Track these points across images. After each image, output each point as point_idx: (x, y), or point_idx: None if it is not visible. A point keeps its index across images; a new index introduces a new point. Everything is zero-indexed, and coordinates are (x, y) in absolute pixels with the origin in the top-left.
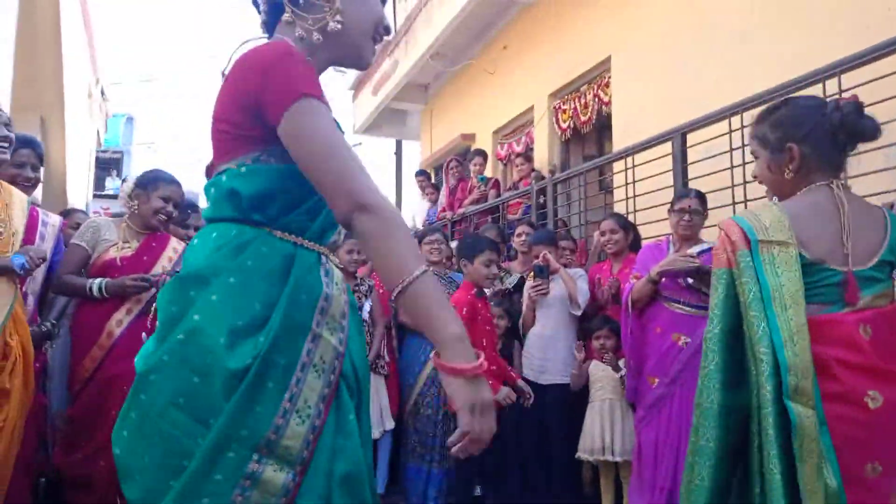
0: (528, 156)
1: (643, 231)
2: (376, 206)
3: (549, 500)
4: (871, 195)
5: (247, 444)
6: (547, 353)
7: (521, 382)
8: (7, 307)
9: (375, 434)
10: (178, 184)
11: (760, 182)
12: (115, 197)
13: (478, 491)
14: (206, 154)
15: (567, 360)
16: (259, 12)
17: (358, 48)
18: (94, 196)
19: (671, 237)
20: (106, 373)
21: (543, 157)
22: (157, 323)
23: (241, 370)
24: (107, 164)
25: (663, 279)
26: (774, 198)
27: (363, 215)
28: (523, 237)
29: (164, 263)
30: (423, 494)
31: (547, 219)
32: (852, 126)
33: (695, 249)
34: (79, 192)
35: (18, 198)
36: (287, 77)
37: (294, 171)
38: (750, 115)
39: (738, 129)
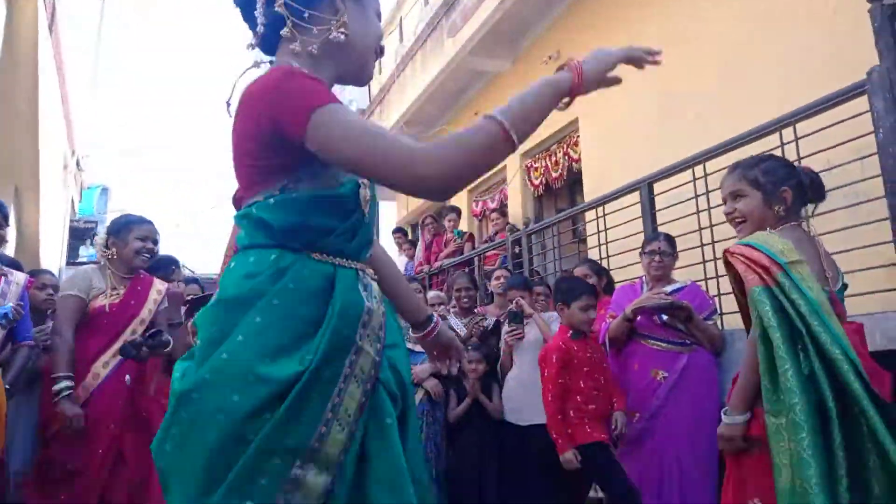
0: (502, 210)
1: (616, 275)
2: (439, 175)
3: None
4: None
5: (292, 453)
6: (525, 395)
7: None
8: None
9: None
10: (149, 222)
11: (736, 220)
12: (85, 264)
13: None
14: (182, 221)
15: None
16: (254, 28)
17: (361, 62)
18: (68, 264)
19: (644, 278)
20: (91, 413)
21: (517, 211)
22: (197, 343)
23: (285, 386)
24: (81, 234)
25: (638, 317)
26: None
27: (429, 184)
28: (500, 279)
29: (150, 307)
30: None
31: (523, 268)
32: (818, 186)
33: (668, 288)
34: (52, 260)
35: None
36: (296, 95)
37: (323, 199)
38: (712, 164)
39: (701, 177)
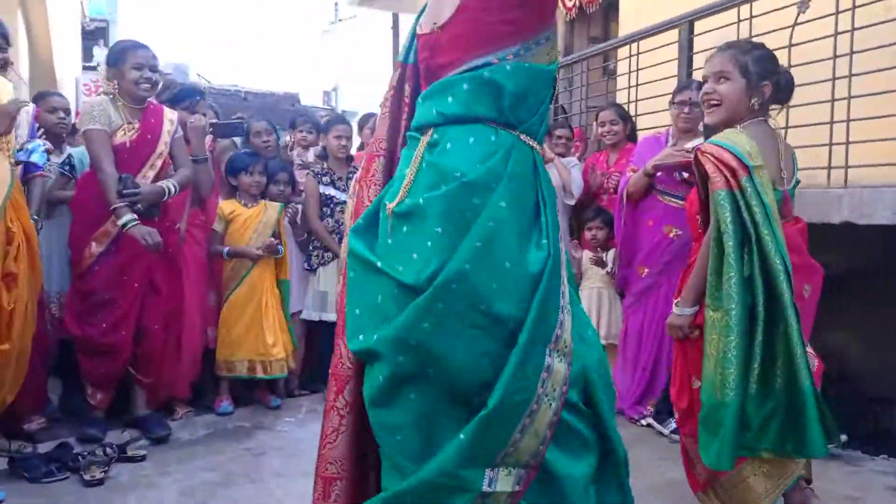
0: None
1: (644, 121)
2: None
3: None
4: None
5: (544, 340)
6: None
7: None
8: (5, 192)
9: None
10: (144, 47)
11: (711, 102)
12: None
13: None
14: (199, 21)
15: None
16: None
17: None
18: (84, 68)
19: (671, 129)
20: (124, 250)
21: None
22: (441, 227)
23: (538, 273)
24: (93, 35)
25: (659, 173)
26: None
27: None
28: None
29: (165, 139)
30: None
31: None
32: (789, 88)
33: (692, 143)
34: (68, 66)
35: (5, 86)
36: None
37: (543, 73)
38: (759, 5)
39: (746, 20)
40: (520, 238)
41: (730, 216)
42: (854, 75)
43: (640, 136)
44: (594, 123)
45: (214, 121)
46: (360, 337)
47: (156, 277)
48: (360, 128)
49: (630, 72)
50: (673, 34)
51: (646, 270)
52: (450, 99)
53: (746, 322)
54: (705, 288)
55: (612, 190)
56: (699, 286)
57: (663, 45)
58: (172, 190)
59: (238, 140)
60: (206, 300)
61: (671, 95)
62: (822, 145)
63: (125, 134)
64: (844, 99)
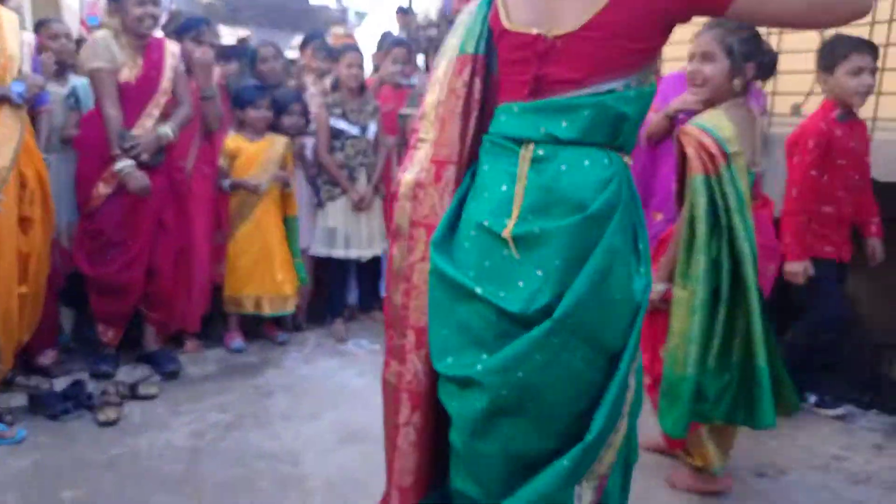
0: None
1: (671, 51)
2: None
3: None
4: None
5: (633, 366)
6: None
7: None
8: (16, 138)
9: (377, 251)
10: None
11: (698, 83)
12: None
13: None
14: None
15: None
16: None
17: None
18: None
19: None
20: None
21: None
22: (560, 259)
23: (639, 302)
24: None
25: (680, 115)
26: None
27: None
28: None
29: (168, 75)
30: None
31: None
32: (770, 68)
33: None
34: None
35: (8, 17)
36: None
37: (653, 93)
38: None
39: None
40: (627, 267)
41: (704, 201)
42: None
43: (666, 68)
44: None
45: (217, 43)
46: (450, 360)
47: (164, 216)
48: (379, 48)
49: None
50: None
51: (660, 215)
52: (564, 123)
53: (711, 304)
54: (676, 265)
55: None
56: (671, 264)
57: None
58: (171, 134)
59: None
60: (213, 235)
61: (698, 31)
62: None
63: (129, 72)
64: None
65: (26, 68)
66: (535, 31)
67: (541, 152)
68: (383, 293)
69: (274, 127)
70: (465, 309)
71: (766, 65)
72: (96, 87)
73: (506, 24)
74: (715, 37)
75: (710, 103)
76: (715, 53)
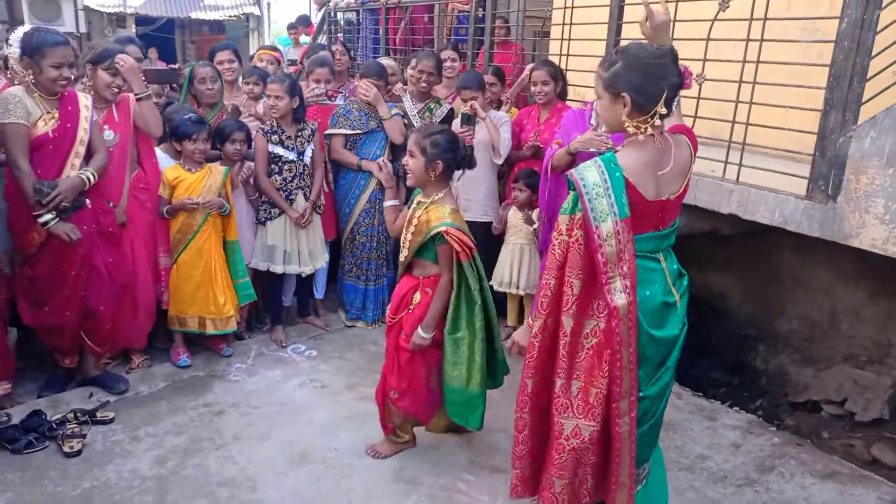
0: None
1: (576, 78)
2: None
3: None
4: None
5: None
6: (469, 193)
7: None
8: None
9: (318, 265)
10: (65, 43)
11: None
12: None
13: None
14: None
15: (486, 200)
16: None
17: None
18: None
19: (595, 105)
20: (57, 239)
21: None
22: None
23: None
24: None
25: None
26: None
27: None
28: (448, 62)
29: (83, 125)
30: (360, 307)
31: (486, 12)
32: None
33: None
34: None
35: None
36: None
37: None
38: None
39: (672, 0)
40: None
41: (474, 277)
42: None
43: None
44: (524, 73)
45: (147, 67)
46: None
47: (94, 259)
48: (308, 73)
49: (564, 24)
50: None
51: None
52: (670, 239)
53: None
54: (441, 316)
55: (541, 147)
56: (438, 314)
57: (596, 6)
58: (92, 178)
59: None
60: (156, 258)
61: (601, 61)
62: (726, 121)
63: (45, 124)
64: (749, 83)
65: None
66: (664, 196)
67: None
68: (318, 295)
69: (215, 157)
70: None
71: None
72: (6, 142)
73: (647, 196)
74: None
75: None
76: (412, 151)
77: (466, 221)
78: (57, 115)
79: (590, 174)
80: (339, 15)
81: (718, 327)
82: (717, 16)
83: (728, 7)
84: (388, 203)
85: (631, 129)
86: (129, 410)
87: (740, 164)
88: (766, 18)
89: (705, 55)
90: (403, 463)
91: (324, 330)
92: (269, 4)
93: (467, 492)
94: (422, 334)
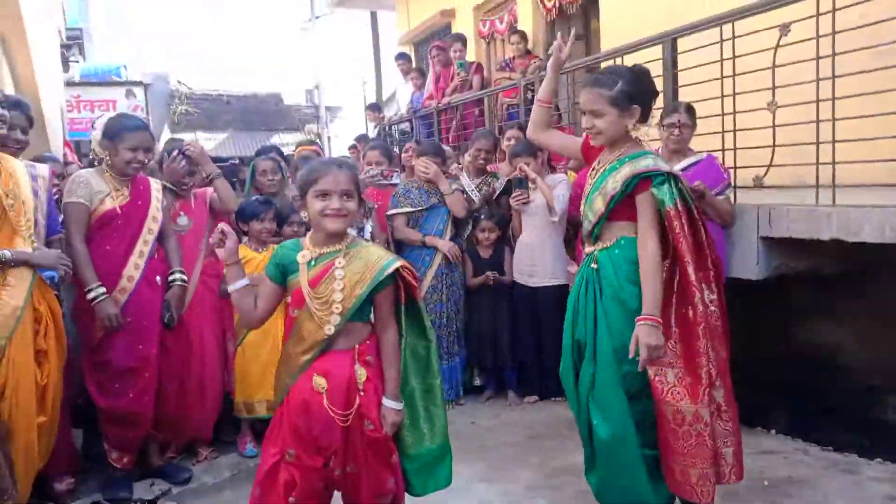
0: (522, 33)
1: None
2: None
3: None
4: None
5: None
6: (535, 258)
7: None
8: (29, 278)
9: None
10: (144, 128)
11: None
12: (80, 84)
13: (478, 381)
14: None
15: (554, 263)
16: None
17: None
18: (66, 84)
19: (660, 150)
20: (134, 315)
21: (528, 36)
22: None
23: None
24: (67, 47)
25: None
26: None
27: None
28: (512, 140)
29: (156, 205)
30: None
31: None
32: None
33: (681, 164)
34: (49, 83)
35: (19, 166)
36: None
37: None
38: (742, 25)
39: (729, 39)
40: None
41: None
42: (836, 99)
43: None
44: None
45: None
46: None
47: (166, 339)
48: (361, 156)
49: None
50: (656, 50)
51: None
52: None
53: None
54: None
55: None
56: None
57: (647, 62)
58: (185, 277)
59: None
60: (223, 345)
61: (660, 118)
62: (810, 164)
63: (114, 200)
64: (829, 120)
65: (43, 200)
66: None
67: None
68: None
69: (276, 235)
70: None
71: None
72: (66, 220)
73: None
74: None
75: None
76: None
77: (535, 287)
78: (127, 192)
79: None
80: (394, 128)
81: (836, 384)
82: (779, 42)
83: (789, 32)
84: (236, 286)
85: (633, 135)
86: (191, 501)
87: (833, 185)
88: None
89: (773, 83)
90: None
91: None
92: (328, 138)
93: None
94: (394, 406)
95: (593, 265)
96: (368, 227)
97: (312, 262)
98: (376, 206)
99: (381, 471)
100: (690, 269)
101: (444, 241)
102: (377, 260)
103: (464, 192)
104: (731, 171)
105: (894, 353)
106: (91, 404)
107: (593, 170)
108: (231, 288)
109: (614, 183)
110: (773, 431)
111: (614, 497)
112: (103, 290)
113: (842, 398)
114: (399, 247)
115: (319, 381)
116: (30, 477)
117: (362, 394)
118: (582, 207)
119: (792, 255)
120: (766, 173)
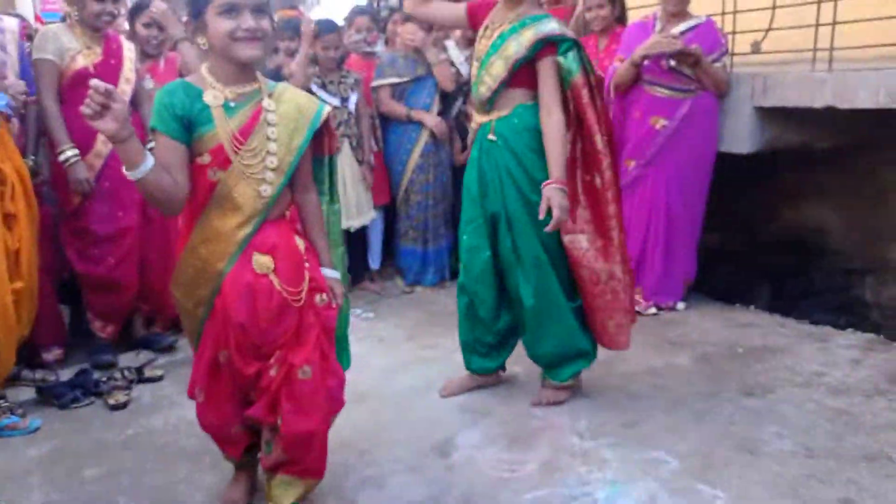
0: None
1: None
2: None
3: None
4: None
5: None
6: None
7: None
8: None
9: (364, 220)
10: None
11: None
12: None
13: None
14: None
15: None
16: None
17: None
18: None
19: (658, 13)
20: (110, 182)
21: None
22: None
23: None
24: None
25: (646, 62)
26: None
27: None
28: None
29: (128, 65)
30: (419, 270)
31: None
32: None
33: (680, 28)
34: None
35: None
36: None
37: None
38: None
39: None
40: None
41: None
42: None
43: (631, 15)
44: (579, 7)
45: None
46: None
47: (148, 209)
48: (349, 23)
49: None
50: None
51: (633, 163)
52: None
53: None
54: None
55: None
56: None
57: None
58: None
59: None
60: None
61: None
62: (809, 26)
63: (86, 59)
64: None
65: (12, 54)
66: None
67: None
68: (374, 266)
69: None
70: None
71: None
72: (36, 78)
73: None
74: None
75: None
76: None
77: None
78: (100, 50)
79: None
80: (382, 4)
81: (820, 266)
82: None
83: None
84: (146, 166)
85: None
86: (178, 370)
87: (831, 48)
88: None
89: None
90: (471, 397)
91: (378, 294)
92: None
93: (544, 416)
94: (335, 276)
95: (491, 136)
96: (353, 99)
97: (231, 106)
98: (361, 76)
99: (337, 366)
100: (598, 138)
101: (431, 115)
102: (308, 102)
103: (452, 63)
104: (730, 36)
105: (878, 233)
106: (74, 280)
107: (486, 29)
108: (139, 173)
109: (517, 46)
110: (753, 307)
111: (547, 346)
112: (76, 151)
113: (824, 283)
114: (384, 125)
115: (263, 261)
116: (11, 343)
117: (307, 265)
118: (474, 72)
119: (784, 126)
120: (763, 38)
